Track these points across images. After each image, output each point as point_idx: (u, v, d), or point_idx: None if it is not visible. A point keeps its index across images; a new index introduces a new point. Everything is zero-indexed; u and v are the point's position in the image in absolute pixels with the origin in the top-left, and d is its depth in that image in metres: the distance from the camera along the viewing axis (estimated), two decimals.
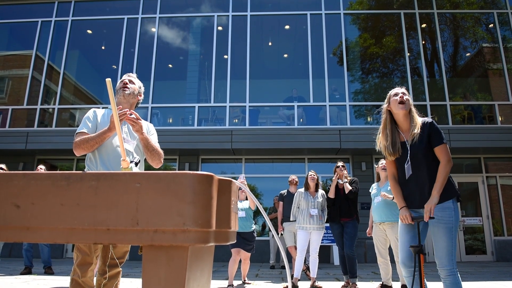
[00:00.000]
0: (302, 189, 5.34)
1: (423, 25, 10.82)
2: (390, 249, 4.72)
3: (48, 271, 6.15)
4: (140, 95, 2.58)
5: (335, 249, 8.59)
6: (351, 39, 10.90)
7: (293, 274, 5.16)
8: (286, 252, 7.09)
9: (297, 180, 6.42)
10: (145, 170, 2.32)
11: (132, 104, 2.53)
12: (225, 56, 10.45)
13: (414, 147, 2.44)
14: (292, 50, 11.73)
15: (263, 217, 9.39)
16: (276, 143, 9.30)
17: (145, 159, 2.52)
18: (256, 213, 7.47)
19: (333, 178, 5.24)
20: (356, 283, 4.97)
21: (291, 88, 10.52)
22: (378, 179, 4.99)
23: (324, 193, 5.37)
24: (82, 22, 11.15)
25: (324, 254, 8.88)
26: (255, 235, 5.28)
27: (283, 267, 7.76)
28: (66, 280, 5.32)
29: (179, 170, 9.84)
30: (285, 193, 6.43)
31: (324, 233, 6.18)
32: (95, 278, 2.33)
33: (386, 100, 2.60)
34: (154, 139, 2.50)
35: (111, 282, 2.34)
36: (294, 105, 9.90)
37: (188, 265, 1.05)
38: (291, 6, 11.02)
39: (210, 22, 10.91)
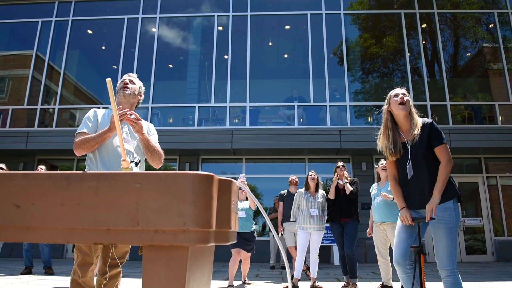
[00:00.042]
0: (302, 189, 5.34)
1: (424, 25, 10.81)
2: (390, 249, 4.71)
3: (48, 271, 6.15)
4: (141, 95, 2.58)
5: (335, 249, 8.59)
6: (352, 39, 10.90)
7: (293, 274, 5.16)
8: (286, 252, 7.09)
9: (297, 180, 6.42)
10: (145, 170, 2.32)
11: (133, 104, 2.53)
12: (226, 56, 10.45)
13: (415, 147, 2.44)
14: (292, 50, 11.73)
15: (263, 217, 9.39)
16: (276, 143, 9.30)
17: (145, 159, 2.52)
18: (256, 213, 7.48)
19: (333, 178, 5.24)
20: (356, 283, 4.97)
21: (291, 88, 10.52)
22: (378, 179, 4.99)
23: (324, 193, 5.36)
24: (83, 22, 11.16)
25: (324, 254, 8.88)
26: (255, 235, 5.28)
27: (283, 267, 7.76)
28: (66, 280, 5.32)
29: (179, 170, 9.84)
30: (285, 193, 6.43)
31: (324, 233, 6.17)
32: (95, 278, 2.33)
33: (386, 101, 2.60)
34: (154, 139, 2.50)
35: (112, 282, 2.33)
36: (294, 105, 9.90)
37: (188, 265, 1.05)
38: (291, 6, 11.02)
39: (210, 22, 10.91)
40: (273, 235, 8.28)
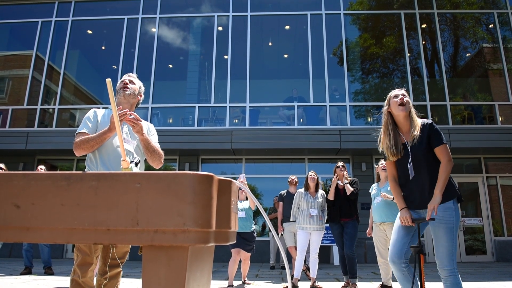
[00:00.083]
0: (302, 190, 5.34)
1: (423, 25, 10.82)
2: None
3: (48, 271, 6.15)
4: (141, 95, 2.58)
5: (335, 250, 8.59)
6: (351, 39, 10.91)
7: (293, 275, 5.16)
8: (286, 252, 7.09)
9: (296, 180, 6.43)
10: (145, 170, 2.32)
11: (133, 104, 2.53)
12: (225, 56, 10.45)
13: (415, 148, 2.45)
14: (292, 50, 11.73)
15: (263, 217, 9.39)
16: (276, 143, 9.30)
17: (145, 159, 2.52)
18: (256, 213, 7.48)
19: (333, 179, 5.23)
20: (356, 283, 4.97)
21: (291, 88, 10.52)
22: (378, 180, 4.99)
23: (324, 193, 5.37)
24: (83, 22, 11.16)
25: (324, 254, 8.88)
26: (255, 235, 5.28)
27: (283, 267, 7.76)
28: (66, 280, 5.32)
29: (179, 170, 9.84)
30: (285, 194, 6.43)
31: (324, 234, 6.17)
32: (95, 279, 2.33)
33: (386, 102, 2.61)
34: (154, 140, 2.50)
35: (112, 282, 2.33)
36: (294, 105, 9.90)
37: (188, 265, 1.05)
38: (291, 6, 11.03)
39: (210, 22, 10.91)
40: (273, 235, 8.28)
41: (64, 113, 10.64)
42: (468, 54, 11.05)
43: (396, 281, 5.07)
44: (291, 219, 5.69)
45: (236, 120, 10.11)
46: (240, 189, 4.60)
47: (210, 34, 10.73)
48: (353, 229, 5.04)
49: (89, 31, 11.45)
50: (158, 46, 10.63)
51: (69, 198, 1.08)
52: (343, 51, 10.32)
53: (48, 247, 6.21)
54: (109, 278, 2.32)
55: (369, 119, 10.19)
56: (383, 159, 4.83)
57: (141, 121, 2.29)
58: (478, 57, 10.87)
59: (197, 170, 9.60)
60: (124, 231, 1.05)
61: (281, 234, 6.56)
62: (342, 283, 5.13)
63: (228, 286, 4.93)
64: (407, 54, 10.37)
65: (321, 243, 5.35)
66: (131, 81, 2.52)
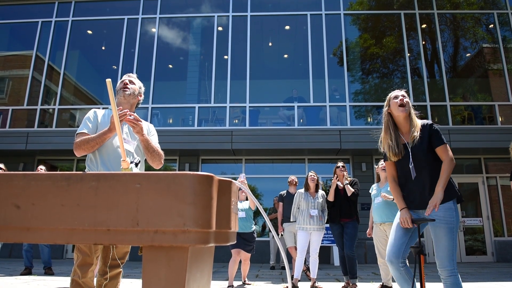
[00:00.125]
0: (302, 190, 5.33)
1: (423, 26, 10.82)
2: None
3: (48, 271, 6.15)
4: (141, 96, 2.58)
5: (335, 250, 8.59)
6: (351, 40, 10.91)
7: (293, 275, 5.16)
8: (286, 252, 7.09)
9: (296, 180, 6.42)
10: (145, 170, 2.32)
11: (133, 104, 2.52)
12: (225, 57, 10.46)
13: (415, 148, 2.46)
14: (292, 50, 11.73)
15: (263, 218, 9.39)
16: (276, 143, 9.30)
17: (145, 160, 2.52)
18: (256, 213, 7.48)
19: (332, 180, 5.23)
20: (356, 283, 4.97)
21: (291, 88, 10.52)
22: (378, 180, 4.99)
23: (324, 194, 5.36)
24: (83, 23, 11.16)
25: (324, 254, 8.88)
26: (255, 236, 5.28)
27: (283, 268, 7.76)
28: (66, 281, 5.32)
29: (179, 170, 9.84)
30: (285, 194, 6.43)
31: (324, 234, 6.17)
32: (95, 279, 2.32)
33: (386, 103, 2.62)
34: (154, 140, 2.50)
35: (112, 282, 2.33)
36: (294, 106, 9.90)
37: (188, 266, 1.05)
38: (291, 6, 11.03)
39: (210, 22, 10.91)
40: (273, 236, 8.28)
41: (64, 113, 10.64)
42: (468, 54, 11.05)
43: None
44: (291, 220, 5.69)
45: (236, 121, 10.11)
46: (240, 189, 4.60)
47: (210, 34, 10.73)
48: (353, 229, 5.04)
49: (89, 31, 11.46)
50: (158, 46, 10.64)
51: (69, 199, 1.08)
52: (343, 51, 10.33)
53: (48, 248, 6.21)
54: (109, 278, 2.32)
55: (369, 119, 10.19)
56: (383, 160, 4.83)
57: (141, 121, 2.29)
58: (478, 57, 10.87)
59: (197, 171, 9.61)
60: (124, 232, 1.05)
61: (281, 235, 6.56)
62: (342, 284, 5.12)
63: (228, 286, 4.92)
64: (407, 54, 10.37)
65: (321, 243, 5.35)
66: (131, 81, 2.52)
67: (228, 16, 10.74)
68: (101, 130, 2.30)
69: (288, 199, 6.15)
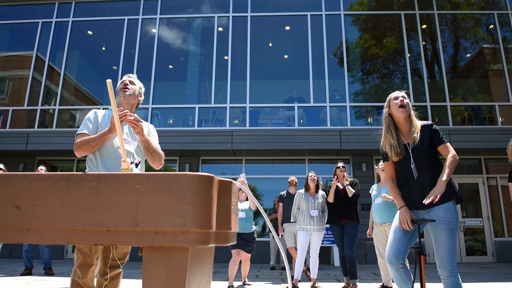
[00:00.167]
0: (302, 190, 5.33)
1: (424, 26, 10.82)
2: None
3: (48, 272, 6.15)
4: (141, 96, 2.58)
5: (336, 250, 8.59)
6: (352, 40, 10.91)
7: (293, 275, 5.16)
8: (286, 253, 7.09)
9: (296, 181, 6.43)
10: (145, 171, 2.32)
11: (133, 105, 2.53)
12: (226, 57, 10.46)
13: (415, 149, 2.48)
14: (292, 51, 11.74)
15: (263, 218, 9.39)
16: (277, 144, 9.30)
17: (145, 160, 2.52)
18: (256, 214, 7.47)
19: (332, 181, 5.22)
20: (357, 284, 4.97)
21: (291, 89, 10.52)
22: (378, 180, 4.99)
23: (324, 194, 5.36)
24: (83, 23, 11.17)
25: (325, 255, 8.88)
26: (255, 236, 5.28)
27: (284, 268, 7.75)
28: (66, 281, 5.32)
29: (179, 171, 9.84)
30: (285, 194, 6.43)
31: (325, 234, 6.17)
32: (95, 279, 2.32)
33: (386, 103, 2.64)
34: (155, 140, 2.50)
35: (112, 283, 2.33)
36: (294, 106, 9.90)
37: (188, 266, 1.05)
38: (291, 7, 11.03)
39: (210, 23, 10.92)
40: (273, 236, 8.28)
41: (65, 113, 10.65)
42: (468, 55, 11.05)
43: None
44: (291, 220, 5.69)
45: (236, 121, 10.11)
46: (240, 189, 4.59)
47: (210, 34, 10.74)
48: (353, 230, 5.04)
49: (90, 32, 11.46)
50: (158, 47, 10.64)
51: (69, 199, 1.08)
52: (343, 52, 10.33)
53: (48, 248, 6.21)
54: (110, 279, 2.32)
55: (369, 120, 10.19)
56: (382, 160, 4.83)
57: (141, 122, 2.29)
58: (478, 58, 10.87)
59: (197, 171, 9.61)
60: (124, 232, 1.05)
61: (282, 235, 6.56)
62: (343, 284, 5.12)
63: (228, 287, 4.92)
64: (407, 55, 10.37)
65: (321, 243, 5.35)
66: (131, 82, 2.52)
67: (228, 16, 10.75)
68: (102, 131, 2.30)
69: (288, 200, 6.15)
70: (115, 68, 10.71)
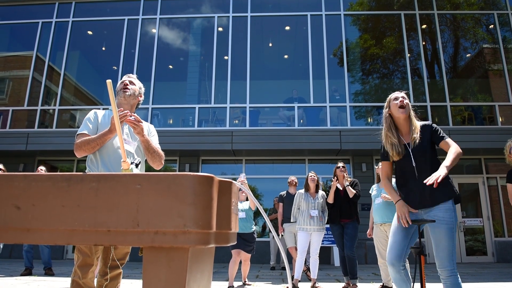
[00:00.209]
0: (302, 190, 5.33)
1: (424, 26, 10.82)
2: None
3: (49, 272, 6.15)
4: (141, 96, 2.58)
5: (336, 250, 8.59)
6: (352, 40, 10.91)
7: (293, 275, 5.16)
8: (286, 253, 7.09)
9: (296, 181, 6.43)
10: (145, 171, 2.32)
11: (133, 105, 2.53)
12: (226, 57, 10.46)
13: (416, 149, 2.48)
14: (292, 51, 11.74)
15: (263, 218, 9.38)
16: (277, 144, 9.30)
17: (145, 160, 2.52)
18: (256, 214, 7.47)
19: (332, 182, 5.22)
20: (357, 284, 4.97)
21: (291, 89, 10.52)
22: (378, 180, 4.99)
23: (324, 194, 5.36)
24: (83, 23, 11.17)
25: (325, 255, 8.87)
26: (255, 236, 5.28)
27: (284, 268, 7.76)
28: (66, 281, 5.32)
29: (179, 171, 9.84)
30: (285, 194, 6.43)
31: (325, 234, 6.17)
32: (95, 280, 2.32)
33: (386, 104, 2.64)
34: (155, 141, 2.50)
35: (112, 283, 2.33)
36: (294, 106, 9.90)
37: (188, 267, 1.05)
38: (291, 7, 11.03)
39: (210, 23, 10.92)
40: (273, 236, 8.28)
41: (65, 114, 10.65)
42: (468, 55, 11.05)
43: None
44: (291, 220, 5.69)
45: (236, 121, 10.11)
46: (240, 189, 4.59)
47: (210, 35, 10.74)
48: (353, 230, 5.04)
49: (90, 32, 11.46)
50: (158, 47, 10.64)
51: (69, 199, 1.08)
52: (343, 52, 10.33)
53: (48, 248, 6.21)
54: (110, 279, 2.32)
55: (369, 120, 10.19)
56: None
57: (141, 122, 2.29)
58: (478, 58, 10.87)
59: (197, 171, 9.62)
60: (124, 232, 1.05)
61: (282, 235, 6.56)
62: (343, 284, 5.12)
63: (228, 287, 4.92)
64: (407, 55, 10.37)
65: (322, 244, 5.35)
66: (131, 82, 2.52)
67: (228, 16, 10.75)
68: (102, 131, 2.30)
69: (288, 200, 6.15)
70: (115, 68, 10.71)
